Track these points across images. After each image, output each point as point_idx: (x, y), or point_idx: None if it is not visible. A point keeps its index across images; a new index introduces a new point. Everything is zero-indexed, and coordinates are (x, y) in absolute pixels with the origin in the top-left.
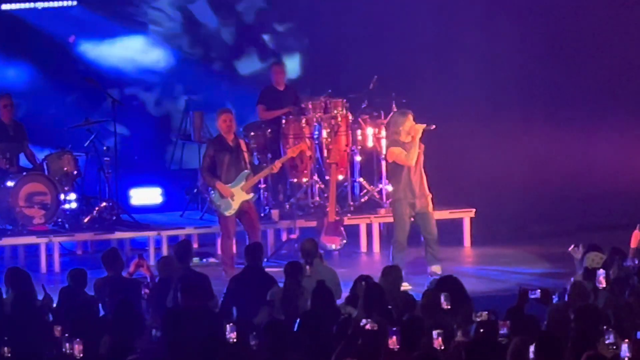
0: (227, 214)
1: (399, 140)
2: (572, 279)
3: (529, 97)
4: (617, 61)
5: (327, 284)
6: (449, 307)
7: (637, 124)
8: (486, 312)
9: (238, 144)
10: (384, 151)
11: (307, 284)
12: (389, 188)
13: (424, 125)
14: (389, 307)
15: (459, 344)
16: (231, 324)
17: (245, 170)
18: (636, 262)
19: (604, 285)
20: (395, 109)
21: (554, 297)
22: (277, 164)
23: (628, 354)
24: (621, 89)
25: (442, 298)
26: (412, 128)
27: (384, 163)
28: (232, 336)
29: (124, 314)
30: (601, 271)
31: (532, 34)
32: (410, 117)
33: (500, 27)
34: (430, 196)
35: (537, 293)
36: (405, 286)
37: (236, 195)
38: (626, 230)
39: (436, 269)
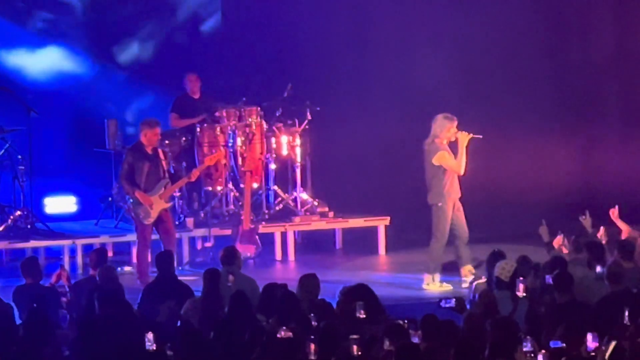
0: (146, 222)
1: (444, 145)
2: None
3: (444, 105)
4: (532, 69)
5: (247, 293)
6: (364, 316)
7: (554, 132)
8: (405, 320)
9: (157, 153)
10: (298, 159)
11: (228, 292)
12: (304, 196)
13: (470, 135)
14: (309, 315)
15: (389, 353)
16: (151, 333)
17: (164, 179)
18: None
19: (524, 294)
20: (309, 117)
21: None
22: (195, 173)
23: None
24: (536, 98)
25: (357, 307)
26: (455, 135)
27: (298, 171)
28: (153, 347)
29: (34, 322)
30: (521, 279)
31: (446, 40)
32: (455, 122)
33: (414, 34)
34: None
35: (452, 302)
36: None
37: (155, 204)
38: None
39: (471, 269)
